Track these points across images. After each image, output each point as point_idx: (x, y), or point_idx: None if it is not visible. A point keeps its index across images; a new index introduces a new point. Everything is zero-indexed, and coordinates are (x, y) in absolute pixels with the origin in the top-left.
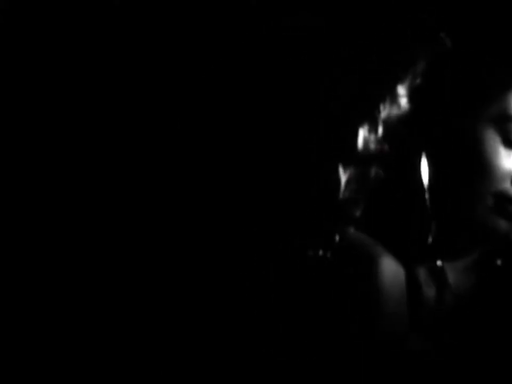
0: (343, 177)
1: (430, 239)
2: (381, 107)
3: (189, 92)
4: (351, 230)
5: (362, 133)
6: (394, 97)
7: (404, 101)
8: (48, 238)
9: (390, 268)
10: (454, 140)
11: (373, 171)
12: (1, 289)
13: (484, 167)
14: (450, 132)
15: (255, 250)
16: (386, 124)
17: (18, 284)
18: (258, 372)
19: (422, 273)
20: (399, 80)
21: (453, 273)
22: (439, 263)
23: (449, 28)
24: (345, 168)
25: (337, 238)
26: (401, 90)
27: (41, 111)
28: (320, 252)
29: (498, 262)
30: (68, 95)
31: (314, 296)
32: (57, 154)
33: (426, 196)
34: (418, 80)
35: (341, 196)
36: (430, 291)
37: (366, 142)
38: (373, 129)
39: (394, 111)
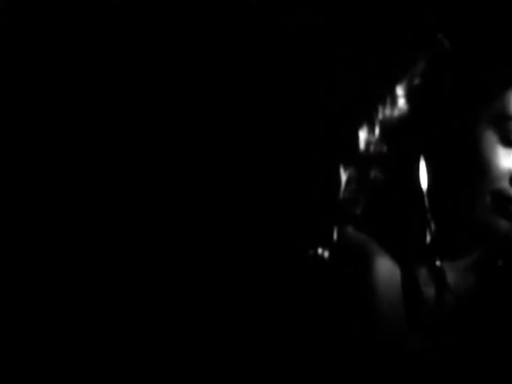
0: (343, 177)
1: (429, 239)
2: (381, 107)
3: (189, 91)
4: (350, 229)
5: (362, 133)
6: (394, 98)
7: (403, 101)
8: (47, 237)
9: (387, 267)
10: (453, 140)
11: (373, 171)
12: (1, 289)
13: (483, 166)
14: (450, 131)
15: (255, 250)
16: (386, 124)
17: (18, 283)
18: (258, 372)
19: (421, 273)
20: (399, 80)
21: (453, 273)
22: (438, 263)
23: (449, 28)
24: (345, 168)
25: (336, 237)
26: (401, 90)
27: (41, 110)
28: (319, 251)
29: (499, 262)
30: (67, 94)
31: (313, 295)
32: (57, 153)
33: (426, 195)
34: (418, 81)
35: (340, 195)
36: (429, 291)
37: (366, 142)
38: (372, 129)
39: (394, 111)
